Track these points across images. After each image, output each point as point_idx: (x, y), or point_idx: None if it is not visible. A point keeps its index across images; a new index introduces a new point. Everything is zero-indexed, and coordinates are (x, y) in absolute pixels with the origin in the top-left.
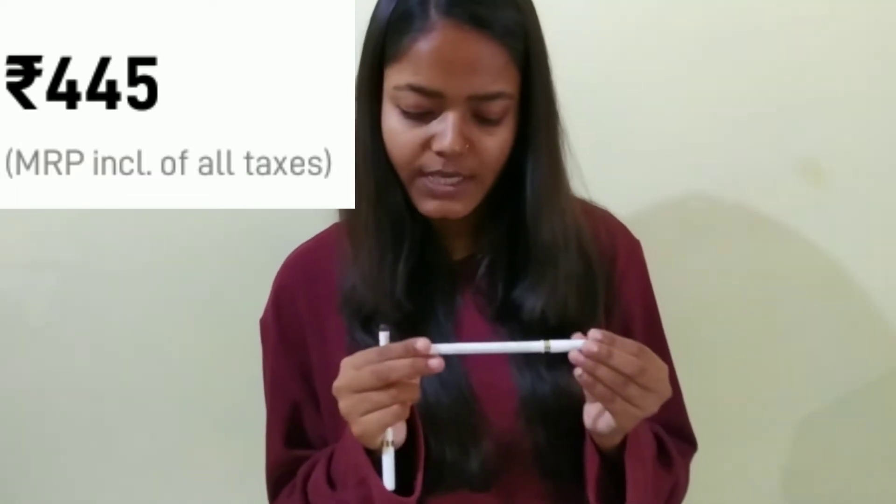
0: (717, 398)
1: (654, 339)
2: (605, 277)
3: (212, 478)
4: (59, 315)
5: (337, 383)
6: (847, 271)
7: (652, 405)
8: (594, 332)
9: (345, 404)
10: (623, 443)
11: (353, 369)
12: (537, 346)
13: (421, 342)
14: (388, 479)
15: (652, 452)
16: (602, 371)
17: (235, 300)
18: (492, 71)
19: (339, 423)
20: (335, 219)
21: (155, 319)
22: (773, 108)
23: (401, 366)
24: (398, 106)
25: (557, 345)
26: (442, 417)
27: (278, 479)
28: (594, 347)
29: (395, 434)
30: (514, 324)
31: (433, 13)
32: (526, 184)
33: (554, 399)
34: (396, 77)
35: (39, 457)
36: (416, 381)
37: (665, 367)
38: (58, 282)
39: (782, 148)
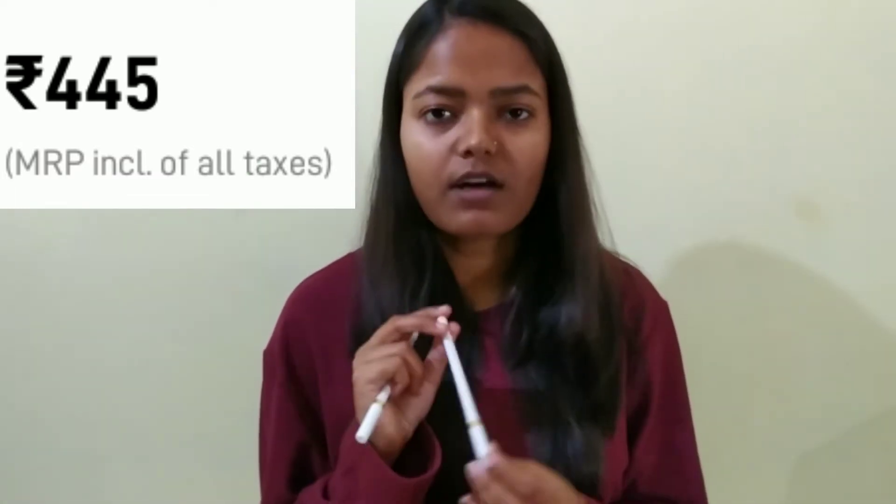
0: (715, 435)
1: (673, 406)
2: (630, 336)
3: None
4: (51, 343)
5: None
6: (843, 309)
7: None
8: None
9: (356, 371)
10: None
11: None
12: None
13: (441, 309)
14: (365, 430)
15: None
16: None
17: (232, 327)
18: (512, 64)
19: None
20: (335, 228)
21: (149, 345)
22: (768, 146)
23: (407, 320)
24: (421, 118)
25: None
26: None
27: None
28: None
29: (404, 425)
30: (536, 364)
31: (447, 16)
32: (559, 194)
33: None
34: (416, 85)
35: (32, 489)
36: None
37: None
38: (50, 307)
39: (777, 186)
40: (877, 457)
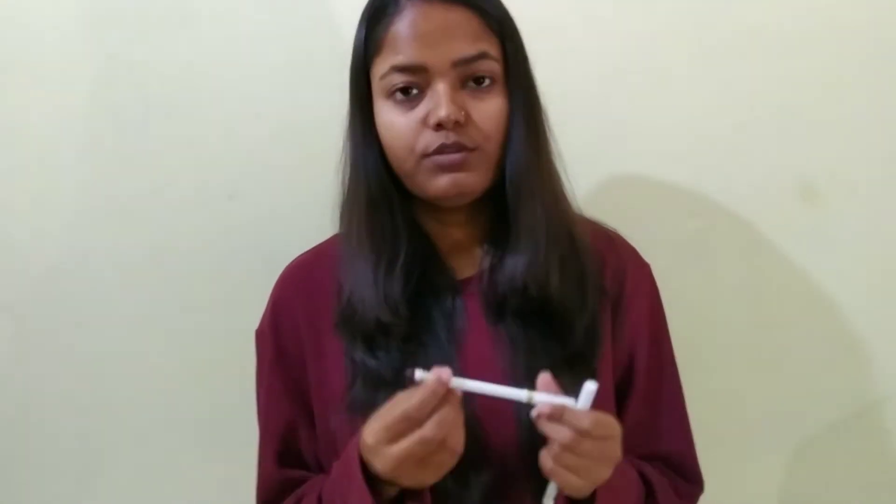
0: (713, 421)
1: (660, 365)
2: (614, 298)
3: (201, 494)
4: (44, 328)
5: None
6: (844, 293)
7: (595, 475)
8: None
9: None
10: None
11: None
12: (520, 394)
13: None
14: None
15: (635, 498)
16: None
17: (226, 310)
18: (468, 34)
19: (332, 443)
20: (331, 228)
21: (143, 329)
22: (770, 129)
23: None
24: (389, 98)
25: (539, 398)
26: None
27: (268, 499)
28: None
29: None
30: (515, 320)
31: None
32: (507, 157)
33: None
34: (381, 67)
35: (28, 474)
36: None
37: (616, 434)
38: (45, 292)
39: (779, 169)
40: (875, 443)
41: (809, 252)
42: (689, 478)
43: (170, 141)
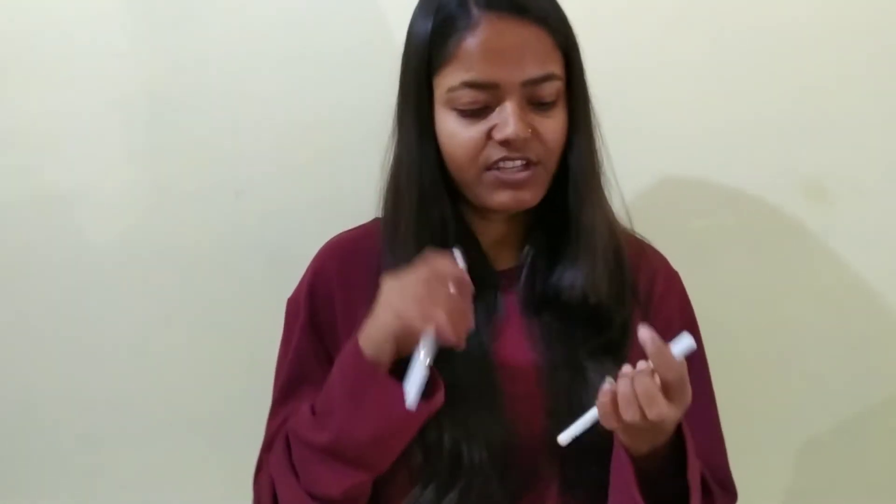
0: (722, 418)
1: (692, 371)
2: (645, 305)
3: (203, 494)
4: (50, 325)
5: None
6: (851, 293)
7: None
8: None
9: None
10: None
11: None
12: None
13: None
14: (413, 399)
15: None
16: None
17: (232, 307)
18: (540, 54)
19: None
20: (337, 225)
21: (148, 326)
22: (777, 127)
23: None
24: (455, 108)
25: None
26: (476, 436)
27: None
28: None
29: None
30: (554, 313)
31: (474, 10)
32: (570, 168)
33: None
34: (450, 79)
35: (30, 470)
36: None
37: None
38: (49, 287)
39: (785, 169)
40: (885, 442)
41: (816, 251)
42: (725, 487)
43: (177, 137)
